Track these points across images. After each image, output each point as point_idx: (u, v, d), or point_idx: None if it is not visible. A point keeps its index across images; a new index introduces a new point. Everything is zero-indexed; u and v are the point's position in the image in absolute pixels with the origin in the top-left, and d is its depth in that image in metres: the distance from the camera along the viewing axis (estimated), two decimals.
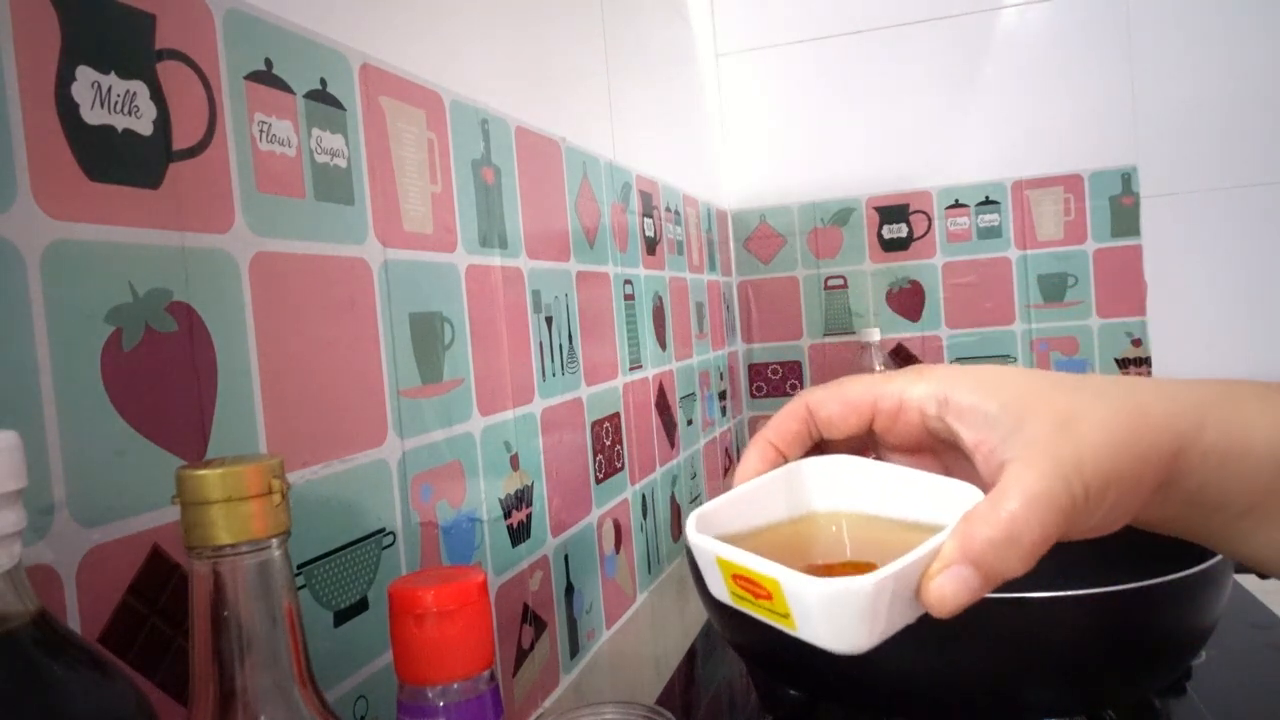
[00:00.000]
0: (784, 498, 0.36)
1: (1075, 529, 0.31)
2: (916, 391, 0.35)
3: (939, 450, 0.37)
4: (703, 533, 0.32)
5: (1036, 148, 1.35)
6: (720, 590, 0.33)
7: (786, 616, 0.30)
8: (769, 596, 0.30)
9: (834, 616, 0.29)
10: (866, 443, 0.38)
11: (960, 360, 1.40)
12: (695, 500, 1.16)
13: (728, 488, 0.35)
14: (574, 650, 0.77)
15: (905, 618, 0.31)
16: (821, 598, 0.28)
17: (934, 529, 0.31)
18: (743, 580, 0.31)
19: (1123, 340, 1.33)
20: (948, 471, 0.36)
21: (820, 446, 0.38)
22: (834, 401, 0.36)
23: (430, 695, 0.37)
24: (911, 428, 0.36)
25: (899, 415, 0.35)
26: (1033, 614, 0.44)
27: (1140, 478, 0.31)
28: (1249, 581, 0.59)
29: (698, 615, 0.86)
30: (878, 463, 0.36)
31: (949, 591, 0.30)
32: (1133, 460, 0.31)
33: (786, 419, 0.37)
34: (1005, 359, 1.37)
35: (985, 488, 0.32)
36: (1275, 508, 0.33)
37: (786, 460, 0.37)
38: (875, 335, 1.35)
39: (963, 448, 0.34)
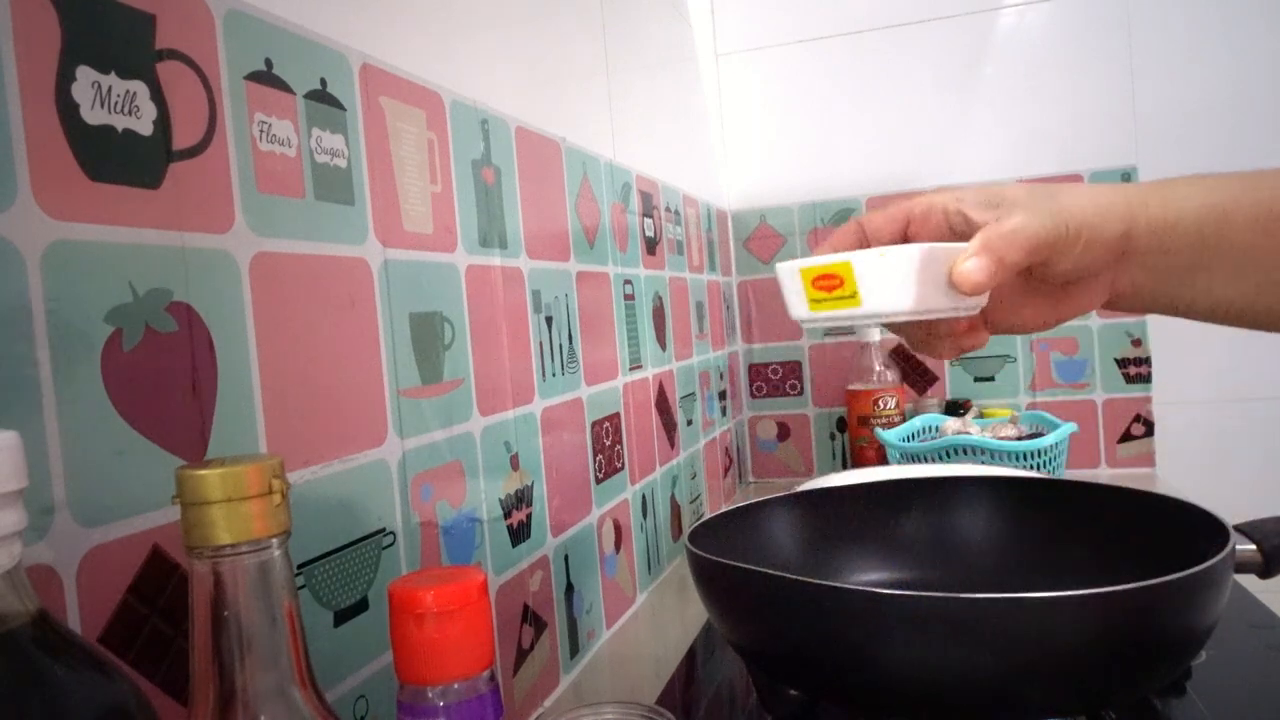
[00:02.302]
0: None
1: (1058, 257, 0.44)
2: (939, 198, 0.48)
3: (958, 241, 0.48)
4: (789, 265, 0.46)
5: (1036, 148, 1.35)
6: (800, 305, 0.46)
7: (854, 297, 0.42)
8: (841, 283, 0.43)
9: (889, 279, 0.41)
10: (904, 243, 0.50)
11: (961, 359, 1.40)
12: (695, 500, 1.16)
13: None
14: (574, 650, 0.77)
15: (938, 301, 0.42)
16: (881, 261, 0.41)
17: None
18: (820, 280, 0.44)
19: (1123, 340, 1.33)
20: None
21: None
22: (878, 216, 0.50)
23: (430, 695, 0.37)
24: (936, 225, 0.48)
25: (927, 217, 0.48)
26: (1033, 614, 0.44)
27: (1102, 228, 0.44)
28: (1249, 581, 0.59)
29: (698, 615, 0.86)
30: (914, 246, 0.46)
31: (971, 268, 0.42)
32: (1097, 211, 0.44)
33: (843, 233, 0.50)
34: (1005, 359, 1.37)
35: None
36: (1210, 262, 0.45)
37: None
38: (875, 335, 1.35)
39: (974, 228, 0.45)
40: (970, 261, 0.42)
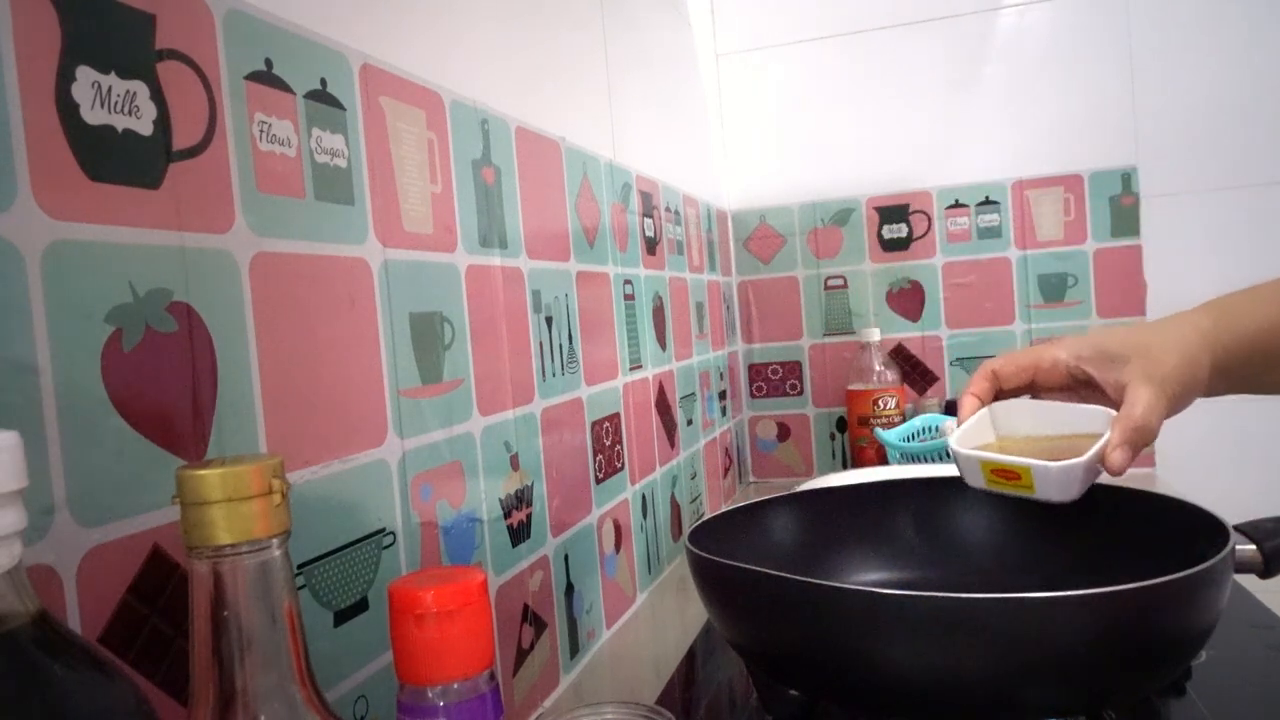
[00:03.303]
0: (989, 427, 0.61)
1: (1172, 412, 0.55)
2: (1062, 354, 0.59)
3: (1077, 388, 0.60)
4: (960, 447, 0.58)
5: (1036, 148, 1.35)
6: (978, 480, 0.58)
7: (1029, 487, 0.55)
8: (1018, 478, 0.56)
9: (1062, 481, 0.54)
10: (1030, 390, 0.63)
11: (961, 359, 1.40)
12: (695, 500, 1.16)
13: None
14: (574, 650, 0.77)
15: (1090, 480, 0.55)
16: (1060, 470, 0.54)
17: (1084, 435, 0.56)
18: (999, 472, 0.56)
19: None
20: (1083, 401, 0.59)
21: (1000, 395, 0.62)
22: (1009, 365, 0.61)
23: (430, 695, 0.37)
24: (1059, 376, 0.60)
25: (1053, 369, 0.60)
26: (1033, 614, 0.44)
27: (1196, 375, 0.55)
28: (1249, 581, 0.59)
29: (698, 615, 0.86)
30: (1038, 400, 0.61)
31: (1120, 460, 0.54)
32: (1190, 366, 0.55)
33: (979, 379, 0.61)
34: None
35: (1110, 404, 0.57)
36: (1273, 363, 0.57)
37: (983, 405, 0.62)
38: (875, 335, 1.35)
39: (1095, 382, 0.58)
40: (1117, 453, 0.54)
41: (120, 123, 0.37)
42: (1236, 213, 1.28)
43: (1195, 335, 0.56)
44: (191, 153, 0.41)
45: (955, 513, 0.71)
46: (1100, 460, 0.54)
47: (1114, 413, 0.56)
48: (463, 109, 0.64)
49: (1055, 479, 0.55)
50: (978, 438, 0.60)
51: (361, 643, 0.50)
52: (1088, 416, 0.58)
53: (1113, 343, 0.57)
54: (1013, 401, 0.61)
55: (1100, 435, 0.55)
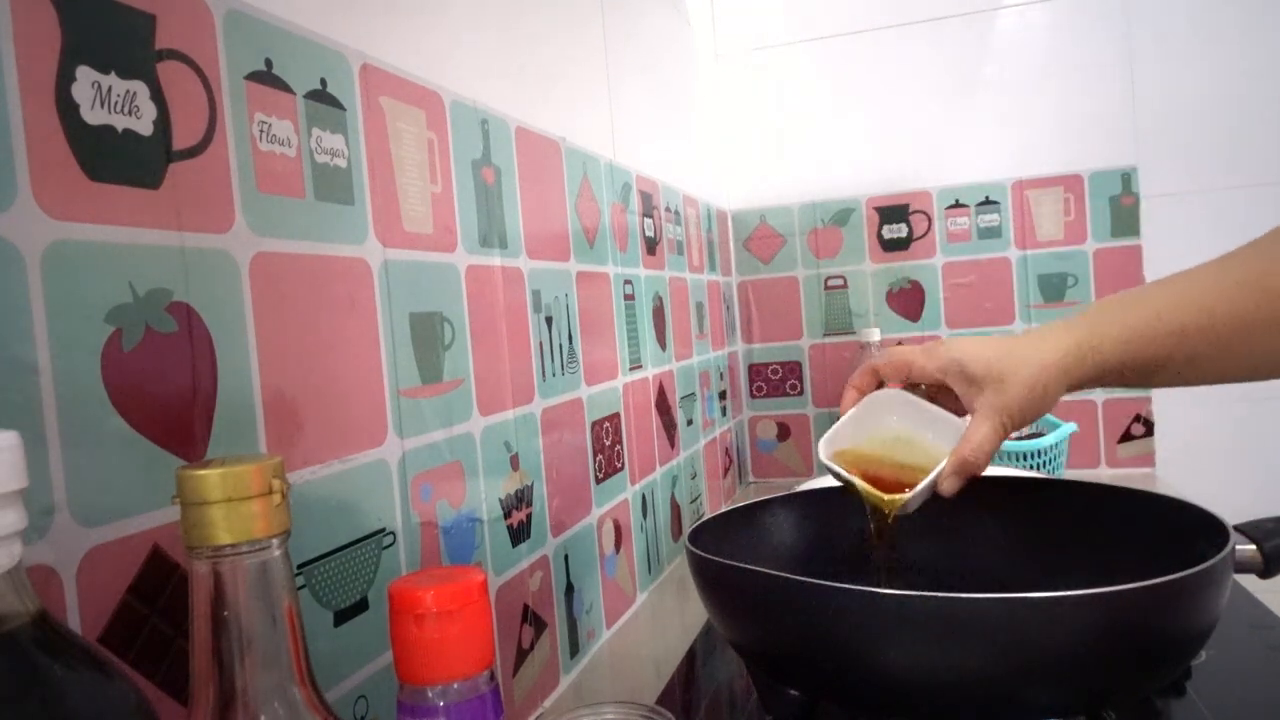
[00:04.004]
0: (862, 423, 0.65)
1: (1008, 436, 0.59)
2: (931, 366, 0.62)
3: (948, 390, 0.63)
4: (826, 451, 0.63)
5: (1036, 148, 1.35)
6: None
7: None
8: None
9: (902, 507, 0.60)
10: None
11: None
12: (695, 500, 1.16)
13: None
14: (574, 650, 0.77)
15: (925, 497, 0.60)
16: (896, 502, 0.60)
17: (931, 449, 0.62)
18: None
19: None
20: (956, 397, 0.62)
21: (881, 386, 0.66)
22: (888, 366, 0.64)
23: (430, 695, 0.37)
24: (931, 381, 0.63)
25: (923, 376, 0.63)
26: (1033, 614, 0.44)
27: (1045, 402, 0.58)
28: (1249, 581, 0.59)
29: (698, 615, 0.86)
30: (910, 397, 0.65)
31: (949, 486, 0.59)
32: (1040, 398, 0.57)
33: (862, 373, 0.65)
34: None
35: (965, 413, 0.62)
36: (1156, 367, 0.57)
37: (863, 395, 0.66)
38: (875, 335, 1.35)
39: (957, 394, 0.61)
40: (948, 482, 0.59)
41: (120, 123, 0.37)
42: (1236, 213, 1.28)
43: (1056, 358, 0.57)
44: (191, 153, 0.41)
45: (955, 512, 0.71)
46: (933, 486, 0.60)
47: (961, 427, 0.61)
48: (463, 109, 0.64)
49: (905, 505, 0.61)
50: (849, 436, 0.64)
51: (361, 643, 0.50)
52: (942, 427, 0.63)
53: (976, 366, 0.59)
54: (890, 393, 0.65)
55: (941, 458, 0.61)
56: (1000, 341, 0.60)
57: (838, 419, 0.65)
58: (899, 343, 1.42)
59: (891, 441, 0.65)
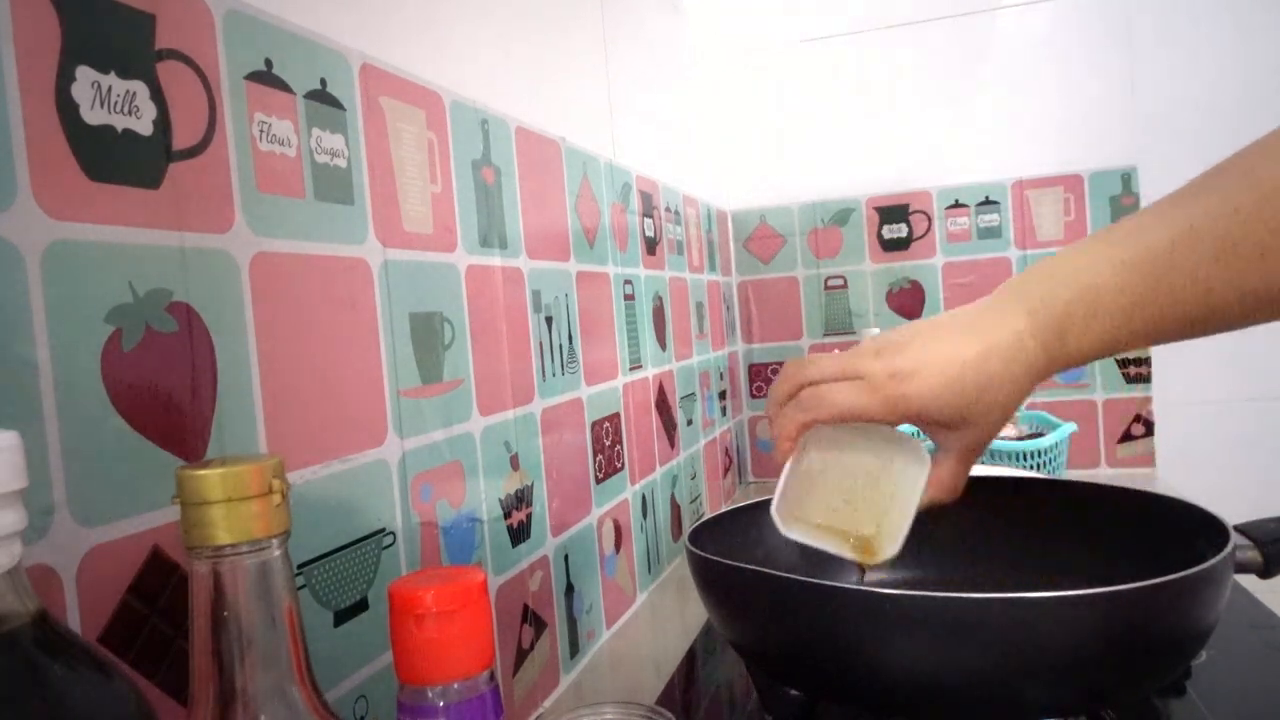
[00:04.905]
0: (816, 476, 0.59)
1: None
2: (891, 418, 0.54)
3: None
4: (783, 524, 0.57)
5: (1036, 148, 1.35)
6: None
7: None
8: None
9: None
10: None
11: None
12: (695, 500, 1.16)
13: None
14: (574, 650, 0.77)
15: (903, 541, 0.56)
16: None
17: (895, 473, 0.58)
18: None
19: None
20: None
21: None
22: (827, 413, 0.56)
23: (430, 695, 0.37)
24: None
25: (882, 421, 0.55)
26: (1033, 614, 0.44)
27: (1012, 409, 0.54)
28: (1249, 581, 0.59)
29: (698, 615, 0.86)
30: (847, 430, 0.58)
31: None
32: (1003, 424, 0.55)
33: (793, 424, 0.57)
34: None
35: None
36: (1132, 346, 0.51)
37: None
38: (875, 335, 1.35)
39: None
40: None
41: (120, 123, 0.37)
42: None
43: (1030, 383, 0.52)
44: (191, 153, 0.41)
45: (955, 512, 0.71)
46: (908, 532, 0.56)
47: (925, 455, 0.57)
48: (463, 109, 0.64)
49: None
50: (799, 499, 0.58)
51: (361, 643, 0.50)
52: (898, 448, 0.58)
53: (944, 416, 0.53)
54: (826, 432, 0.58)
55: (913, 482, 0.56)
56: (965, 377, 0.52)
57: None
58: None
59: (848, 486, 0.58)
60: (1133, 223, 0.51)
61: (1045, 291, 0.52)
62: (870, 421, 0.54)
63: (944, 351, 0.53)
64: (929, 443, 0.58)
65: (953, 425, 0.54)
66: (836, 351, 0.59)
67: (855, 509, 0.58)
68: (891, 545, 0.55)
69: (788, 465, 0.57)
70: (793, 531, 0.56)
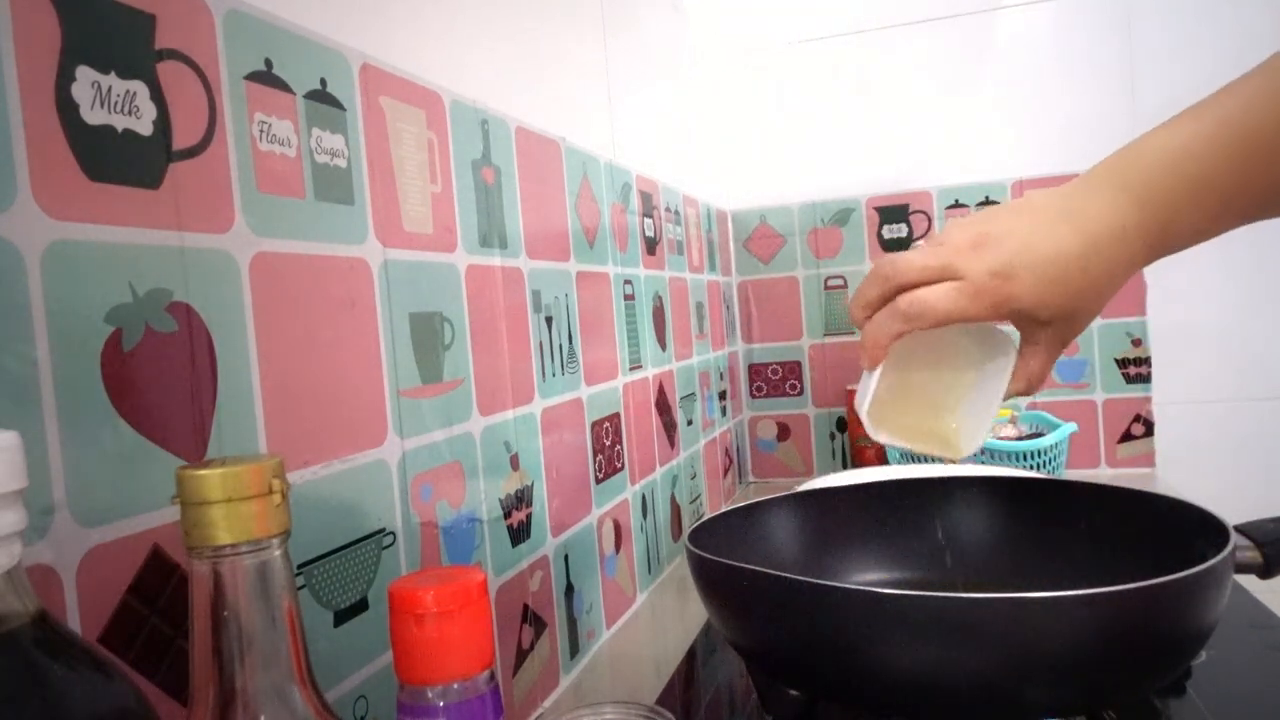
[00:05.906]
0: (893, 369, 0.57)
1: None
2: (988, 313, 0.53)
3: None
4: (873, 428, 0.56)
5: (1036, 148, 1.35)
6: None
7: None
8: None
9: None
10: None
11: None
12: (695, 500, 1.16)
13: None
14: (574, 650, 0.77)
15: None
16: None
17: (978, 371, 0.59)
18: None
19: (1123, 340, 1.33)
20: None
21: None
22: (922, 318, 0.54)
23: (430, 695, 0.37)
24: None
25: (978, 320, 0.55)
26: (1033, 614, 0.44)
27: (1094, 319, 0.55)
28: (1249, 581, 0.59)
29: (698, 615, 0.86)
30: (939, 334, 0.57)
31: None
32: (1087, 324, 0.56)
33: (888, 333, 0.55)
34: None
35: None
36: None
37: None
38: None
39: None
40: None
41: (120, 123, 0.37)
42: None
43: (1129, 273, 0.53)
44: (191, 153, 0.41)
45: (955, 513, 0.71)
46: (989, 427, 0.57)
47: (1013, 348, 0.57)
48: (463, 109, 0.64)
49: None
50: (888, 399, 0.58)
51: (361, 643, 0.50)
52: (990, 346, 0.58)
53: (1046, 314, 0.53)
54: (918, 339, 0.58)
55: (1000, 375, 0.56)
56: (1070, 276, 0.50)
57: (863, 380, 0.57)
58: None
59: (935, 384, 0.59)
60: (1225, 106, 0.53)
61: (1151, 179, 0.52)
62: (963, 319, 0.53)
63: (1047, 248, 0.51)
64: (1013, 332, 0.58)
65: (1052, 322, 0.53)
66: (922, 244, 0.57)
67: (940, 406, 0.58)
68: (973, 441, 0.55)
69: (879, 369, 0.55)
70: (881, 434, 0.56)
